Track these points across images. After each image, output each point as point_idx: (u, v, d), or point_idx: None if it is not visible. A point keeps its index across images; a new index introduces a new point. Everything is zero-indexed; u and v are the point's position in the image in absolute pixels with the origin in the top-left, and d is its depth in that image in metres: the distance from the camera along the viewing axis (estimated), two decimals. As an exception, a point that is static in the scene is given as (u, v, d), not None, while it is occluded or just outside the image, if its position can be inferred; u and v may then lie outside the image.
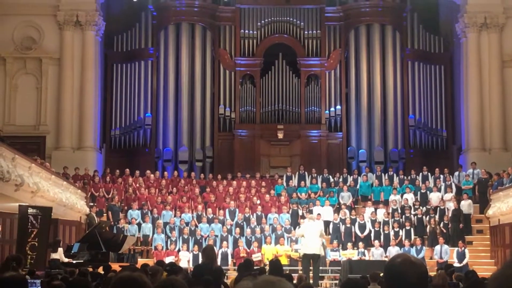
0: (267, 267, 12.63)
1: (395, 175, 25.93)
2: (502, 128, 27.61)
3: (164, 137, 28.63)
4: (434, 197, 24.18)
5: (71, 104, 27.40)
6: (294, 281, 10.49)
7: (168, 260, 18.84)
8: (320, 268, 20.18)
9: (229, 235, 22.41)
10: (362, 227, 22.93)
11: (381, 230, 22.72)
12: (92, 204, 23.86)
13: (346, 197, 24.78)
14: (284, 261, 20.26)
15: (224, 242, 21.87)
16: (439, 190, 24.64)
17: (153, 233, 22.65)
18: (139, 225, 23.01)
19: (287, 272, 14.36)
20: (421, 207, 23.68)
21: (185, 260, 21.16)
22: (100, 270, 14.98)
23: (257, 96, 29.19)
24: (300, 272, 18.18)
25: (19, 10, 27.31)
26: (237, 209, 23.72)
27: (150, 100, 29.11)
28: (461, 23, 28.17)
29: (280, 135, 28.60)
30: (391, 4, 29.66)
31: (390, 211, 23.73)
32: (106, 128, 29.34)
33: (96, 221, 21.55)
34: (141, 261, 18.76)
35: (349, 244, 22.14)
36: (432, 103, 29.54)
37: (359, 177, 25.90)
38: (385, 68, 29.12)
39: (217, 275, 8.26)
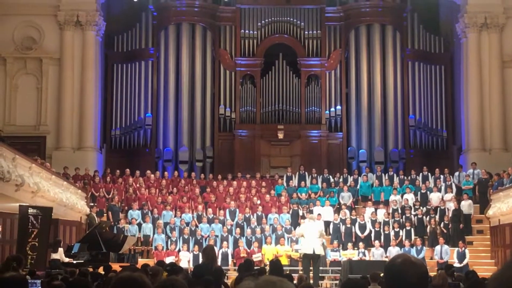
0: (267, 267, 12.63)
1: (395, 175, 25.92)
2: (502, 128, 27.61)
3: (165, 137, 28.63)
4: (435, 197, 24.18)
5: (71, 104, 27.40)
6: (295, 281, 10.49)
7: (168, 260, 18.84)
8: (321, 268, 20.19)
9: (230, 235, 22.41)
10: (363, 227, 22.92)
11: (382, 230, 22.72)
12: (92, 204, 23.86)
13: (346, 197, 24.78)
14: (284, 261, 20.27)
15: (225, 242, 21.87)
16: (439, 190, 24.63)
17: (154, 233, 22.65)
18: (139, 225, 23.01)
19: (288, 272, 14.35)
20: (421, 207, 23.68)
21: (186, 260, 21.16)
22: (101, 270, 14.98)
23: (257, 96, 29.19)
24: (300, 272, 18.20)
25: (20, 10, 27.31)
26: (237, 209, 23.72)
27: (150, 100, 29.11)
28: (461, 23, 28.17)
29: (281, 135, 28.60)
30: (391, 4, 29.67)
31: (391, 211, 23.73)
32: (107, 128, 29.34)
33: (97, 221, 21.55)
34: (141, 261, 18.77)
35: (350, 244, 22.13)
36: (432, 103, 29.54)
37: (359, 177, 25.89)
38: (385, 68, 29.12)
39: (217, 275, 8.27)
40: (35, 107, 27.44)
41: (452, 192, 24.42)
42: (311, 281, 18.01)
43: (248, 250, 21.85)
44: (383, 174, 26.07)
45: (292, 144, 29.23)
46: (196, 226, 22.79)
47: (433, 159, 28.00)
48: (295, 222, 23.09)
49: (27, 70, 27.59)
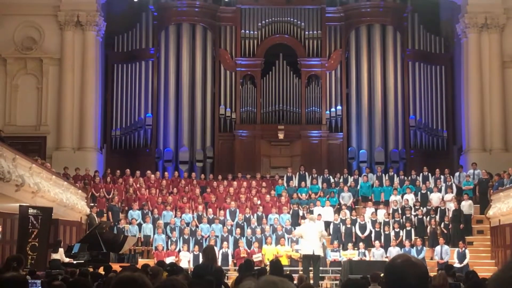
0: (267, 268, 12.63)
1: (395, 175, 25.91)
2: (502, 129, 27.62)
3: (165, 138, 28.63)
4: (435, 198, 24.17)
5: (71, 105, 27.40)
6: (295, 282, 10.49)
7: (168, 260, 18.84)
8: (321, 268, 20.18)
9: (230, 236, 22.40)
10: (363, 228, 22.92)
11: (382, 230, 22.71)
12: (92, 204, 23.86)
13: (346, 198, 24.78)
14: (284, 261, 20.27)
15: (225, 243, 21.87)
16: (439, 190, 24.63)
17: (154, 234, 22.65)
18: (139, 225, 23.01)
19: (288, 272, 14.35)
20: (421, 208, 23.67)
21: (186, 260, 21.16)
22: (101, 270, 14.98)
23: (257, 96, 29.19)
24: (300, 272, 18.20)
25: (20, 10, 27.32)
26: (237, 210, 23.72)
27: (150, 101, 29.11)
28: (462, 23, 28.18)
29: (281, 136, 28.60)
30: (391, 5, 29.66)
31: (391, 211, 23.72)
32: (107, 129, 29.34)
33: (97, 222, 21.55)
34: (141, 261, 18.77)
35: (350, 245, 22.13)
36: (432, 104, 29.54)
37: (359, 178, 25.89)
38: (385, 68, 29.12)
39: (217, 276, 8.26)
40: (36, 107, 27.45)
41: (452, 192, 24.42)
42: (311, 281, 18.01)
43: (248, 250, 21.84)
44: (383, 175, 26.07)
45: (293, 145, 29.23)
46: (196, 226, 22.79)
47: (434, 160, 27.99)
48: (296, 223, 23.08)
49: (27, 70, 27.59)
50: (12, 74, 27.44)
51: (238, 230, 22.57)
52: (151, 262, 18.00)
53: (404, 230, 22.77)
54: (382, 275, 9.51)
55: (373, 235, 22.71)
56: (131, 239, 20.48)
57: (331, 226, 23.00)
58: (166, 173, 26.75)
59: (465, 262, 21.10)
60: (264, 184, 25.60)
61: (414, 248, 21.68)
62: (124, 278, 3.45)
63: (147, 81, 29.20)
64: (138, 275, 3.48)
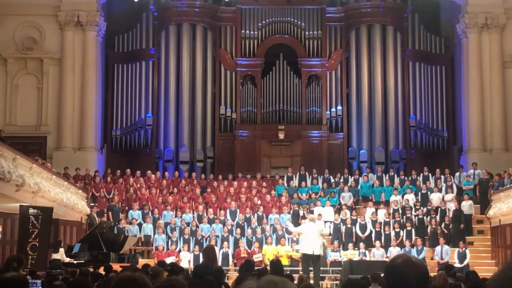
0: (268, 268, 12.63)
1: (396, 175, 25.91)
2: (503, 129, 27.61)
3: (165, 138, 28.63)
4: (435, 198, 24.17)
5: (72, 105, 27.40)
6: (295, 282, 10.49)
7: (169, 260, 18.84)
8: (321, 268, 20.16)
9: (230, 236, 22.40)
10: (363, 228, 22.92)
11: (382, 230, 22.71)
12: (93, 204, 23.86)
13: (347, 198, 24.78)
14: (285, 261, 20.27)
15: (225, 243, 21.87)
16: (440, 190, 24.63)
17: (154, 234, 22.65)
18: (139, 225, 23.02)
19: (288, 272, 14.35)
20: (422, 208, 23.66)
21: (186, 260, 21.17)
22: (101, 270, 14.99)
23: (258, 96, 29.19)
24: (300, 272, 18.18)
25: (20, 10, 27.32)
26: (238, 210, 23.72)
27: (151, 101, 29.11)
28: (462, 23, 28.18)
29: (281, 136, 28.61)
30: (392, 5, 29.66)
31: (391, 211, 23.72)
32: (107, 129, 29.34)
33: (97, 222, 21.55)
34: (142, 261, 18.77)
35: (350, 245, 22.13)
36: (433, 104, 29.54)
37: (360, 178, 25.89)
38: (386, 68, 29.12)
39: (217, 276, 8.26)
40: (36, 108, 27.45)
41: (452, 192, 24.43)
42: (311, 281, 18.00)
43: (249, 250, 21.85)
44: (383, 175, 26.07)
45: (293, 145, 29.24)
46: (197, 226, 22.79)
47: (434, 160, 28.00)
48: (296, 223, 23.06)
49: (27, 70, 27.60)
50: (13, 74, 27.44)
51: (239, 230, 22.57)
52: (152, 262, 18.00)
53: (405, 230, 22.77)
54: (382, 275, 9.51)
55: (373, 235, 22.71)
56: (132, 239, 20.48)
57: (331, 226, 22.99)
58: (166, 173, 26.75)
59: (465, 262, 21.10)
60: (264, 184, 25.60)
61: (415, 248, 21.68)
62: (124, 278, 3.45)
63: (147, 81, 29.21)
64: (139, 275, 3.48)
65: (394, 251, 21.17)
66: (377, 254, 21.70)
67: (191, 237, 22.29)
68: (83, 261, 17.71)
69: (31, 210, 17.42)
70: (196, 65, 29.09)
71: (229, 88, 29.38)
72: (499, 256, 22.17)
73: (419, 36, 29.91)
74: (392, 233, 22.62)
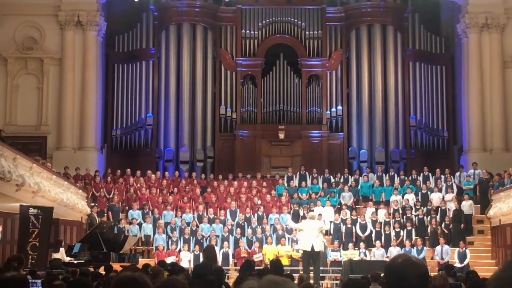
0: (268, 267, 12.62)
1: (396, 175, 25.91)
2: (503, 129, 27.61)
3: (165, 137, 28.63)
4: (435, 198, 24.17)
5: (72, 104, 27.40)
6: (295, 281, 10.49)
7: (169, 260, 18.84)
8: (321, 268, 20.15)
9: (230, 235, 22.41)
10: (363, 228, 22.92)
11: (382, 230, 22.71)
12: (93, 204, 23.87)
13: (347, 198, 24.78)
14: (285, 261, 20.26)
15: (225, 242, 21.87)
16: (440, 190, 24.63)
17: (154, 233, 22.65)
18: (140, 225, 23.02)
19: (288, 272, 14.34)
20: (422, 208, 23.66)
21: (186, 260, 21.17)
22: (102, 270, 14.99)
23: (258, 96, 29.19)
24: (301, 272, 18.18)
25: (20, 10, 27.32)
26: (238, 209, 23.72)
27: (151, 100, 29.11)
28: (462, 23, 28.17)
29: (281, 136, 28.61)
30: (392, 5, 29.65)
31: (391, 211, 23.72)
32: (107, 128, 29.34)
33: (97, 221, 21.56)
34: (142, 261, 18.77)
35: (350, 245, 22.13)
36: (433, 104, 29.53)
37: (360, 178, 25.89)
38: (386, 68, 29.11)
39: (217, 275, 8.26)
40: (36, 107, 27.44)
41: (453, 192, 24.43)
42: (311, 281, 17.98)
43: (249, 250, 21.85)
44: (383, 174, 26.06)
45: (293, 144, 29.24)
46: (197, 226, 22.79)
47: (434, 159, 27.99)
48: (296, 223, 23.04)
49: (28, 70, 27.60)
50: (13, 74, 27.44)
51: (239, 230, 22.57)
52: (152, 262, 18.02)
53: (405, 230, 22.77)
54: (382, 275, 9.51)
55: (373, 235, 22.71)
56: (132, 238, 20.48)
57: (332, 226, 22.99)
58: (166, 173, 26.75)
59: (465, 262, 21.10)
60: (264, 184, 25.61)
61: (415, 248, 21.68)
62: (124, 278, 3.45)
63: (147, 81, 29.21)
64: (139, 275, 3.48)
65: (394, 251, 21.17)
66: (377, 254, 21.71)
67: (191, 237, 22.30)
68: (83, 261, 17.71)
69: (31, 210, 17.43)
70: (196, 65, 29.09)
71: (229, 88, 29.37)
72: (499, 256, 22.17)
73: (419, 36, 29.90)
74: (392, 233, 22.62)
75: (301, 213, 23.60)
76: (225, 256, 21.56)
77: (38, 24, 27.64)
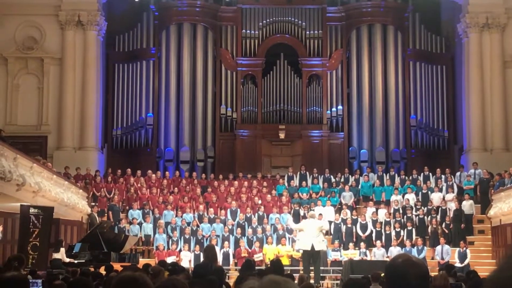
0: (268, 267, 12.62)
1: (396, 175, 25.91)
2: (503, 128, 27.61)
3: (166, 137, 28.63)
4: (436, 197, 24.17)
5: (72, 104, 27.40)
6: (296, 281, 10.49)
7: (169, 260, 18.84)
8: (321, 268, 20.13)
9: (231, 235, 22.41)
10: (364, 227, 22.92)
11: (383, 230, 22.71)
12: (93, 204, 23.87)
13: (347, 197, 24.78)
14: (285, 261, 20.26)
15: (226, 242, 21.87)
16: (440, 190, 24.63)
17: (155, 233, 22.65)
18: (140, 225, 23.03)
19: (288, 272, 14.34)
20: (422, 207, 23.65)
21: (187, 260, 21.17)
22: (102, 270, 14.99)
23: (258, 96, 29.19)
24: (301, 272, 18.17)
25: (21, 10, 27.32)
26: (238, 209, 23.72)
27: (151, 100, 29.11)
28: (463, 23, 28.17)
29: (282, 135, 28.61)
30: (393, 4, 29.65)
31: (392, 211, 23.73)
32: (108, 128, 29.35)
33: (98, 221, 21.57)
34: (142, 261, 18.77)
35: (351, 244, 22.13)
36: (433, 103, 29.53)
37: (360, 177, 25.89)
38: (386, 68, 29.11)
39: (217, 275, 8.26)
40: (37, 107, 27.45)
41: (453, 192, 24.43)
42: (312, 281, 17.97)
43: (249, 250, 21.86)
44: (384, 174, 26.07)
45: (294, 144, 29.23)
46: (197, 226, 22.80)
47: (435, 159, 27.99)
48: (297, 223, 23.04)
49: (28, 70, 27.60)
50: (13, 73, 27.44)
51: (239, 229, 22.58)
52: (152, 262, 18.00)
53: (405, 229, 22.77)
54: (383, 274, 9.51)
55: (374, 234, 22.71)
56: (132, 238, 20.47)
57: (332, 226, 22.99)
58: (167, 172, 26.75)
59: (466, 262, 21.10)
60: (265, 183, 25.61)
61: (415, 248, 21.69)
62: (125, 278, 3.45)
63: (148, 80, 29.21)
64: (139, 274, 3.48)
65: (395, 250, 21.17)
66: (377, 253, 21.71)
67: (191, 237, 22.30)
68: (83, 261, 17.72)
69: (31, 210, 17.43)
70: (196, 65, 29.09)
71: (230, 88, 29.38)
72: (499, 255, 22.14)
73: (420, 36, 29.90)
74: (393, 233, 22.62)
75: (302, 213, 23.59)
76: (226, 256, 21.56)
77: (39, 24, 27.64)
